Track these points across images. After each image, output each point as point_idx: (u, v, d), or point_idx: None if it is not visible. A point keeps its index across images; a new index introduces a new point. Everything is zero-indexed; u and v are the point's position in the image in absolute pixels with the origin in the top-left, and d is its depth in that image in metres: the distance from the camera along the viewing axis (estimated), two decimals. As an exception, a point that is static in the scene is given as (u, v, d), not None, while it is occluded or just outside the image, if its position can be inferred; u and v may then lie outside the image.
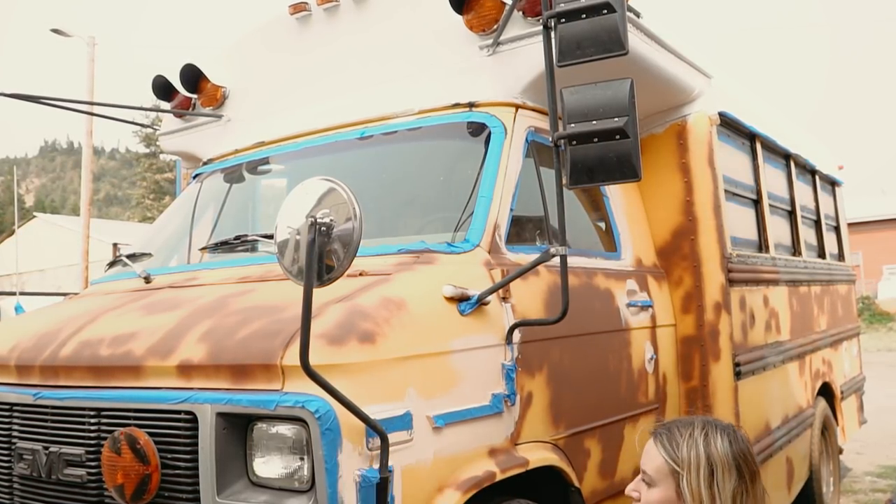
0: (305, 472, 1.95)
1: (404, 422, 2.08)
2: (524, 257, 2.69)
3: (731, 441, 1.86)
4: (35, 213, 47.97)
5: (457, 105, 3.04)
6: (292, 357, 1.94)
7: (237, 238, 3.07)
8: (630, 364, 3.18)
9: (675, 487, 1.85)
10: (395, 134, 3.14)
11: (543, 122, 3.01)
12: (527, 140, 2.95)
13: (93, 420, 2.24)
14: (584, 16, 2.34)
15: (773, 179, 4.76)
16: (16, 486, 2.40)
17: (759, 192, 4.41)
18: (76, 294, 3.44)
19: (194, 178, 3.92)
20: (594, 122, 2.29)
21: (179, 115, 4.09)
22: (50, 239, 37.08)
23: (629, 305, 3.23)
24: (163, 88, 4.03)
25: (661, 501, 1.86)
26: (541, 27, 2.53)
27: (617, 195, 3.44)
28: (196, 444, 2.04)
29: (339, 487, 1.90)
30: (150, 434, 2.10)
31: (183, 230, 3.66)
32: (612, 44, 2.33)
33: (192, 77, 3.91)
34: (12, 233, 34.42)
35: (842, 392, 5.58)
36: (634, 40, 2.95)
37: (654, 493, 1.89)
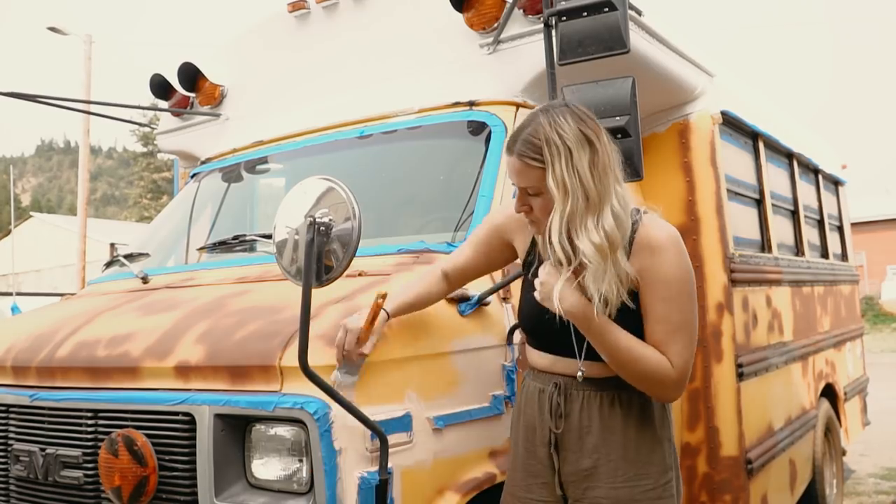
0: (304, 474, 1.94)
1: (404, 423, 2.07)
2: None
3: (573, 116, 1.92)
4: (31, 213, 48.02)
5: (457, 104, 3.03)
6: (291, 358, 1.92)
7: (235, 238, 3.05)
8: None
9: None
10: (395, 133, 3.12)
11: (544, 121, 2.99)
12: (528, 139, 2.93)
13: (90, 421, 2.22)
14: (585, 14, 2.33)
15: (775, 179, 4.74)
16: (12, 488, 2.39)
17: (761, 192, 4.39)
18: (73, 294, 3.42)
19: (192, 177, 3.91)
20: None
21: (177, 114, 4.07)
22: (46, 239, 37.12)
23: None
24: (160, 87, 4.02)
25: (548, 203, 1.94)
26: (542, 25, 2.52)
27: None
28: (194, 446, 2.02)
29: (339, 489, 1.88)
30: (148, 436, 2.08)
31: (181, 230, 3.64)
32: (614, 42, 2.32)
33: (190, 76, 3.90)
34: (8, 232, 34.45)
35: (845, 393, 5.56)
36: (636, 38, 2.93)
37: (540, 200, 1.96)
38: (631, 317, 1.96)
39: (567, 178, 1.88)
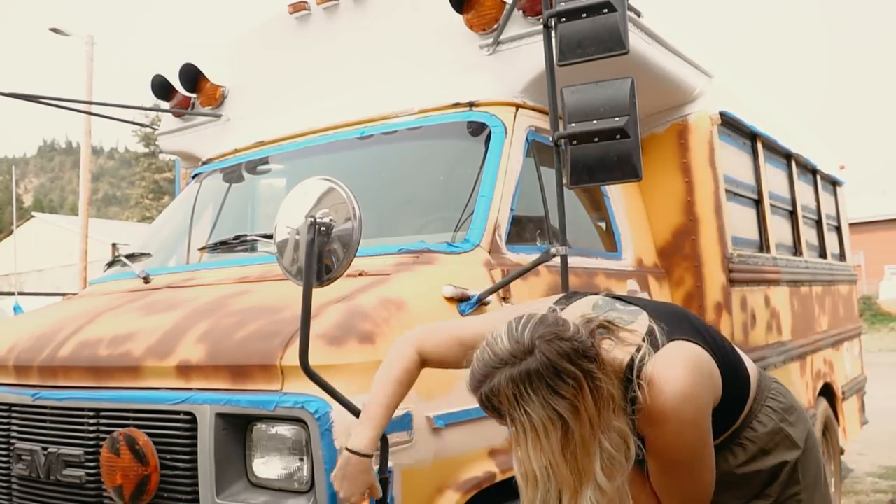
0: (305, 473, 1.95)
1: (404, 423, 2.07)
2: (524, 257, 2.68)
3: (546, 380, 1.51)
4: (33, 213, 47.97)
5: (457, 104, 3.04)
6: (291, 357, 1.93)
7: (236, 238, 3.06)
8: (631, 364, 3.17)
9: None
10: (395, 133, 3.13)
11: (544, 122, 3.00)
12: (527, 140, 2.95)
13: (91, 420, 2.23)
14: (584, 15, 2.34)
15: (774, 179, 4.75)
16: (14, 486, 2.40)
17: (760, 192, 4.40)
18: (75, 294, 3.43)
19: (193, 177, 3.92)
20: (595, 121, 2.28)
21: (178, 115, 4.08)
22: (48, 239, 37.08)
23: (630, 305, 3.21)
24: (162, 88, 4.02)
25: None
26: (541, 26, 2.53)
27: (618, 195, 3.43)
28: (195, 445, 2.03)
29: (339, 488, 1.89)
30: (150, 435, 2.09)
31: (182, 230, 3.65)
32: (613, 43, 2.32)
33: (192, 76, 3.91)
34: (10, 233, 34.43)
35: (843, 393, 5.56)
36: (635, 39, 2.94)
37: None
38: None
39: (534, 465, 1.55)
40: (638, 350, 1.63)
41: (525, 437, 1.53)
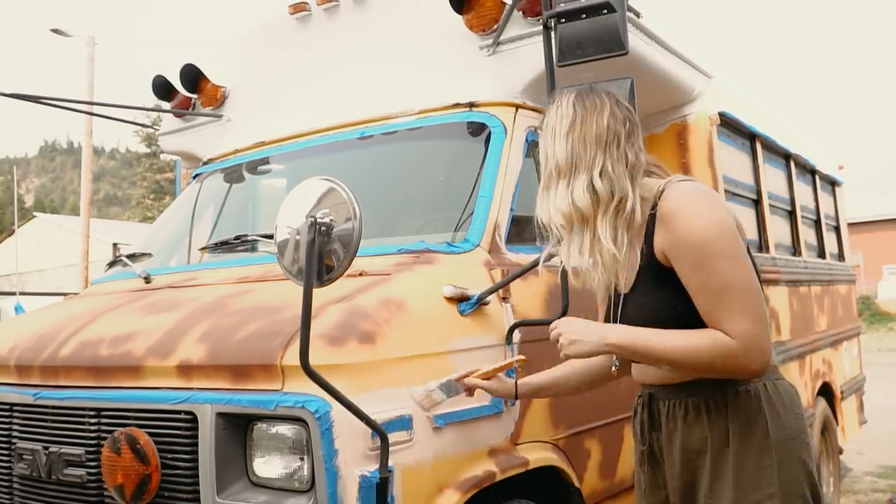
0: (305, 473, 1.95)
1: (404, 422, 2.08)
2: (524, 257, 2.69)
3: (576, 92, 1.93)
4: (35, 213, 48.02)
5: (457, 105, 3.04)
6: (292, 357, 1.94)
7: (237, 238, 3.07)
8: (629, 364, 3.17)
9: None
10: (396, 134, 3.14)
11: (543, 122, 3.01)
12: (527, 140, 2.95)
13: (93, 420, 2.24)
14: (584, 16, 2.34)
15: (773, 179, 4.76)
16: (16, 486, 2.40)
17: (759, 192, 4.41)
18: (76, 294, 3.44)
19: (194, 177, 3.92)
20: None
21: (179, 115, 4.09)
22: (50, 239, 37.11)
23: (629, 305, 3.22)
24: (163, 88, 4.03)
25: None
26: (541, 27, 2.53)
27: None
28: (196, 445, 2.04)
29: (339, 488, 1.90)
30: (150, 434, 2.10)
31: (183, 230, 3.66)
32: (613, 44, 2.33)
33: (192, 77, 3.91)
34: (12, 233, 34.45)
35: (842, 392, 5.57)
36: (634, 40, 2.94)
37: None
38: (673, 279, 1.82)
39: (544, 145, 1.91)
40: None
41: (546, 132, 1.90)
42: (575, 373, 2.21)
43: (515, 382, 2.21)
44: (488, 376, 2.18)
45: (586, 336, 1.89)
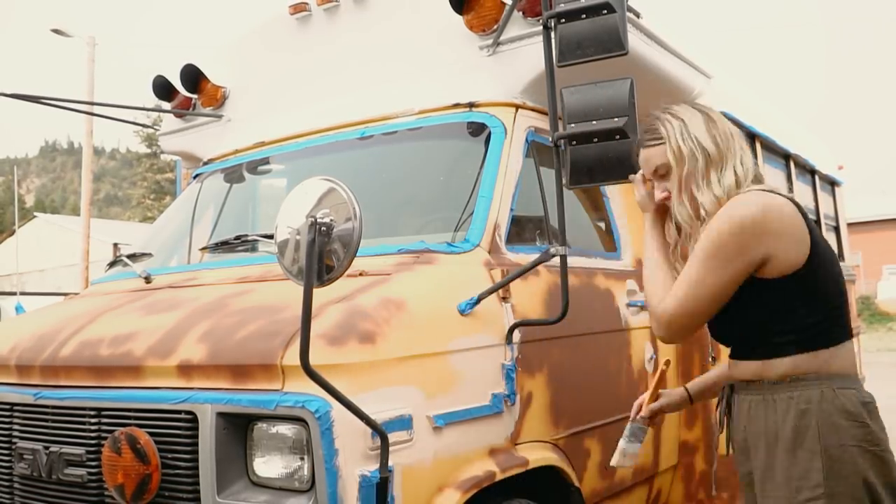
0: (305, 472, 1.96)
1: (404, 422, 2.09)
2: (524, 257, 2.69)
3: (686, 102, 2.17)
4: (35, 213, 48.04)
5: (457, 105, 3.04)
6: (292, 357, 1.94)
7: (237, 238, 3.07)
8: (630, 364, 3.18)
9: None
10: (396, 134, 3.14)
11: (543, 122, 3.01)
12: (527, 140, 2.96)
13: (93, 420, 2.25)
14: (584, 16, 2.34)
15: (772, 179, 4.75)
16: (16, 485, 2.41)
17: (759, 192, 4.40)
18: (76, 294, 3.44)
19: (194, 178, 3.93)
20: (594, 122, 2.29)
21: (179, 116, 4.09)
22: (50, 239, 37.12)
23: (629, 305, 3.23)
24: (163, 88, 4.03)
25: (678, 179, 2.07)
26: (541, 27, 2.53)
27: (617, 195, 3.44)
28: (196, 444, 2.04)
29: (340, 487, 1.90)
30: (151, 434, 2.10)
31: (183, 230, 3.66)
32: (612, 44, 2.33)
33: (193, 77, 3.91)
34: (13, 233, 34.46)
35: (842, 392, 5.56)
36: (634, 40, 2.94)
37: (670, 182, 2.10)
38: (755, 285, 1.94)
39: (682, 143, 2.04)
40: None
41: (674, 128, 2.07)
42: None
43: (685, 388, 2.42)
44: (656, 398, 2.37)
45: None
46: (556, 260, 2.43)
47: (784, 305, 1.93)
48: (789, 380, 1.93)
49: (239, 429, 2.03)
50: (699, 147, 2.02)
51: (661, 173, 2.10)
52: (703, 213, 1.99)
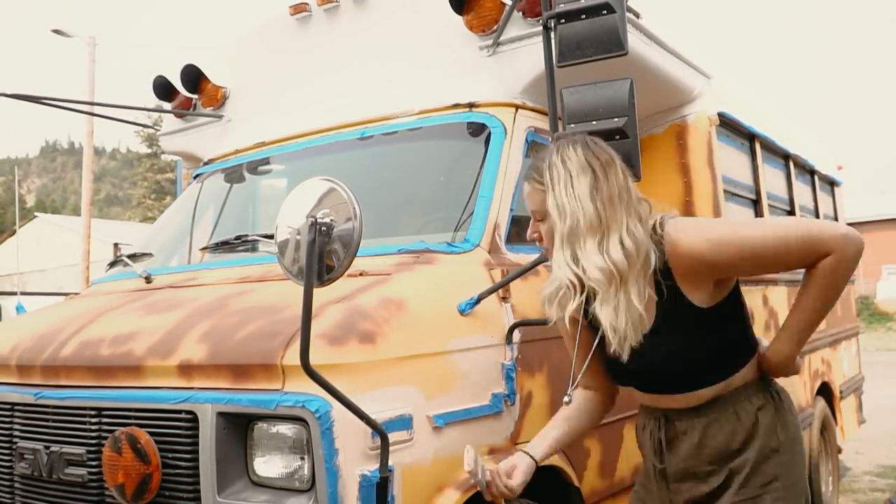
0: (306, 472, 1.96)
1: (404, 422, 2.09)
2: (524, 257, 2.69)
3: (582, 145, 1.97)
4: (36, 214, 48.07)
5: (457, 105, 3.05)
6: (292, 357, 1.94)
7: (237, 238, 3.07)
8: (630, 364, 3.18)
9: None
10: (396, 134, 3.14)
11: (543, 123, 3.01)
12: (527, 140, 2.96)
13: (94, 420, 2.25)
14: (583, 16, 2.35)
15: (772, 179, 4.76)
16: (17, 485, 2.41)
17: (758, 193, 4.41)
18: (77, 294, 3.45)
19: (195, 178, 3.93)
20: (594, 122, 2.29)
21: (180, 116, 4.10)
22: (51, 239, 37.16)
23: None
24: (163, 89, 4.04)
25: (550, 229, 1.99)
26: (541, 27, 2.54)
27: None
28: (197, 444, 2.04)
29: (340, 487, 1.90)
30: (151, 433, 2.10)
31: (183, 230, 3.66)
32: (612, 44, 2.33)
33: (193, 77, 3.92)
34: (13, 233, 34.48)
35: (841, 392, 5.57)
36: (634, 41, 2.95)
37: (546, 225, 2.02)
38: (704, 318, 1.95)
39: (566, 200, 1.92)
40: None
41: (559, 181, 1.93)
42: (575, 418, 2.26)
43: (530, 455, 2.17)
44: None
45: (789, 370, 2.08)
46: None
47: (733, 323, 2.03)
48: (745, 389, 2.03)
49: (239, 428, 2.04)
50: (580, 210, 1.91)
51: (539, 218, 2.05)
52: (583, 274, 1.91)
